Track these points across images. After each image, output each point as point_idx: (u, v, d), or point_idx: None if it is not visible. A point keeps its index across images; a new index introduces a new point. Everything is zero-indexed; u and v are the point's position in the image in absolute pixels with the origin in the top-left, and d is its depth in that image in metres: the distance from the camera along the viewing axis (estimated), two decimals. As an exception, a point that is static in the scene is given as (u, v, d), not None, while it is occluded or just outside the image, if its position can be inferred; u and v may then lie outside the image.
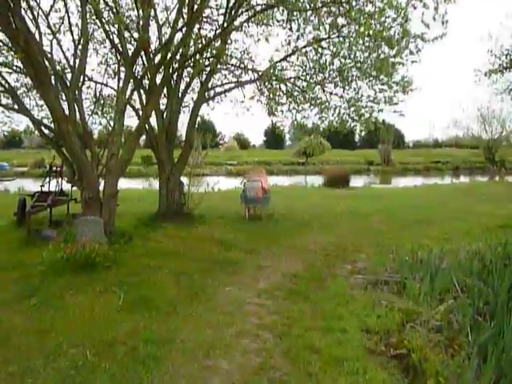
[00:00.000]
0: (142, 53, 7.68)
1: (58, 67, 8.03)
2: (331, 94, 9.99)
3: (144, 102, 7.89)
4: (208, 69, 8.60)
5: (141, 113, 7.57)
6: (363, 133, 66.04)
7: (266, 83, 9.50)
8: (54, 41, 7.86)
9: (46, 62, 6.73)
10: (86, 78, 9.41)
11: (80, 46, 7.29)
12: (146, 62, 7.96)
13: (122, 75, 7.72)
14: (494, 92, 14.55)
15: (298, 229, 8.81)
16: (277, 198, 12.32)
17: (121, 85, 7.10)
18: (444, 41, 7.78)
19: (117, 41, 8.37)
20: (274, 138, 64.41)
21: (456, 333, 4.09)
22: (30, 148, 50.62)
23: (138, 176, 28.24)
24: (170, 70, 7.54)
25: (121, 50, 7.38)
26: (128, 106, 9.58)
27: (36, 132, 8.00)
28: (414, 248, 7.10)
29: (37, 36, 7.11)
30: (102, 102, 9.70)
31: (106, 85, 9.39)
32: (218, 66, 9.30)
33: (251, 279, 5.64)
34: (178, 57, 7.16)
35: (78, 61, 7.01)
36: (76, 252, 5.72)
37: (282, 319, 4.36)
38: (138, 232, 7.68)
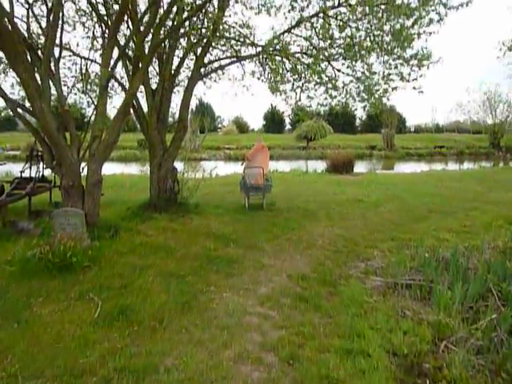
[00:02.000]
0: (130, 21, 6.76)
1: (35, 40, 7.15)
2: (339, 70, 9.11)
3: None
4: (204, 41, 7.67)
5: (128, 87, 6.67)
6: (363, 117, 65.18)
7: (268, 59, 8.59)
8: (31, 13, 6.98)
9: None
10: (71, 53, 8.57)
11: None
12: (131, 27, 7.02)
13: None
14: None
15: (303, 220, 8.03)
16: (278, 185, 11.55)
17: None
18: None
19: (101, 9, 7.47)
20: (273, 121, 63.26)
21: (503, 356, 3.36)
22: (24, 131, 49.44)
23: (135, 160, 27.28)
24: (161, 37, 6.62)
25: (104, 13, 6.45)
26: (115, 83, 8.78)
27: (10, 111, 7.14)
28: (434, 244, 6.40)
29: (7, 5, 6.21)
30: (89, 79, 8.80)
31: (94, 61, 8.50)
32: (215, 42, 8.38)
33: (252, 282, 4.88)
34: (169, 22, 6.25)
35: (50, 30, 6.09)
36: (51, 250, 4.96)
37: (289, 336, 3.62)
38: (126, 224, 6.89)
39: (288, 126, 66.74)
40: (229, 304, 4.23)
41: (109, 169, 20.04)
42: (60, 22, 6.51)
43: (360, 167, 22.17)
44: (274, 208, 8.96)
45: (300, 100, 10.11)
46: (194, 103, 57.64)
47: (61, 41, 6.72)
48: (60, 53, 6.61)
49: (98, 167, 6.33)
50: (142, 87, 8.03)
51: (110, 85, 8.89)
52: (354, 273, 5.31)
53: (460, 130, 65.23)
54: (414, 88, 7.53)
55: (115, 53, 6.66)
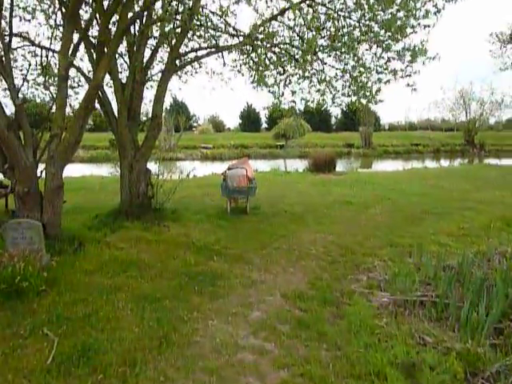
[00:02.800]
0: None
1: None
2: (325, 63, 8.50)
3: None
4: (179, 29, 6.87)
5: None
6: (339, 115, 65.25)
7: (252, 49, 7.88)
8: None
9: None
10: (30, 44, 7.60)
11: None
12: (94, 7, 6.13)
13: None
14: (500, 67, 13.47)
15: (291, 224, 7.37)
16: (260, 186, 10.81)
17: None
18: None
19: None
20: (249, 120, 62.48)
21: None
22: None
23: (107, 161, 25.99)
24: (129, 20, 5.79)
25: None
26: (82, 78, 7.86)
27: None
28: (436, 250, 5.87)
29: None
30: (50, 71, 7.84)
31: (55, 51, 7.55)
32: (192, 30, 7.60)
33: (242, 304, 4.16)
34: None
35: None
36: (-2, 272, 4.10)
37: (293, 379, 2.93)
38: (93, 235, 6.04)
39: (264, 125, 66.19)
40: (216, 336, 3.50)
41: (78, 170, 18.90)
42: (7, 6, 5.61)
43: (340, 166, 21.75)
44: (259, 212, 8.26)
45: (283, 95, 9.47)
46: (168, 101, 56.29)
47: (10, 27, 5.81)
48: (10, 41, 5.69)
49: (59, 170, 5.46)
50: (110, 81, 7.18)
51: (75, 79, 8.02)
52: (357, 288, 4.67)
53: (433, 127, 66.39)
54: (408, 85, 6.98)
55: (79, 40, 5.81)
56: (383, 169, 22.31)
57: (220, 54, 9.01)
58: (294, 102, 8.56)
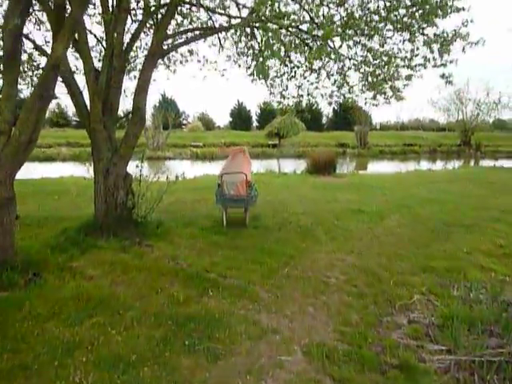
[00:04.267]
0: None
1: None
2: (337, 53, 7.35)
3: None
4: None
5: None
6: (330, 114, 64.31)
7: (250, 34, 6.71)
8: None
9: None
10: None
11: None
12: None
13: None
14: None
15: (300, 241, 6.19)
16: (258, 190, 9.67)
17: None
18: None
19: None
20: (240, 118, 61.18)
21: None
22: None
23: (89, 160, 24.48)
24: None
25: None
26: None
27: None
28: (481, 278, 4.78)
29: None
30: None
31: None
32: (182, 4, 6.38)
33: (250, 370, 2.98)
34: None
35: None
36: None
37: None
38: (56, 259, 4.80)
39: (255, 123, 64.95)
40: None
41: (58, 170, 17.46)
42: None
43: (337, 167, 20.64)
44: (260, 224, 7.06)
45: (287, 89, 8.30)
46: (156, 97, 54.77)
47: None
48: None
49: (7, 179, 4.20)
50: (81, 65, 5.90)
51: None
52: (400, 338, 3.52)
53: (424, 127, 65.89)
54: (443, 76, 5.84)
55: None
56: (383, 170, 21.27)
57: (216, 37, 7.83)
58: (301, 96, 7.38)
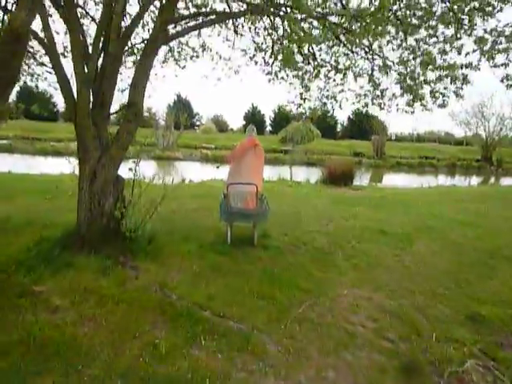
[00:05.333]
0: None
1: None
2: (369, 51, 6.44)
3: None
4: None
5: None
6: (345, 122, 63.10)
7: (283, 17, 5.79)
8: None
9: None
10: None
11: None
12: None
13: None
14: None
15: (316, 269, 5.22)
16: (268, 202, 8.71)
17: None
18: None
19: None
20: (253, 122, 60.43)
21: None
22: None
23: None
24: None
25: None
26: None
27: None
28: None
29: None
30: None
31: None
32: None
33: None
34: None
35: None
36: None
37: None
38: (19, 279, 3.91)
39: (269, 128, 64.18)
40: None
41: (60, 166, 16.72)
42: None
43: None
44: (270, 244, 6.09)
45: (308, 90, 7.39)
46: (171, 98, 54.38)
47: None
48: None
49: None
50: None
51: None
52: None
53: (440, 140, 64.30)
54: (507, 78, 4.84)
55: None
56: (402, 183, 20.16)
57: (231, 29, 6.98)
58: (328, 97, 6.47)
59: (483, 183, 27.74)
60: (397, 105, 6.70)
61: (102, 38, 4.93)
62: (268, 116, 64.66)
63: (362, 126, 51.14)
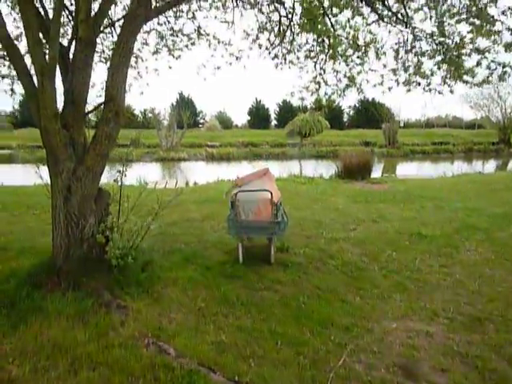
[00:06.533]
0: None
1: None
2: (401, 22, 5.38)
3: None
4: None
5: None
6: (351, 112, 61.61)
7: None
8: None
9: None
10: None
11: None
12: None
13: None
14: None
15: (352, 293, 4.19)
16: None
17: None
18: None
19: None
20: (258, 117, 59.20)
21: None
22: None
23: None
24: None
25: None
26: None
27: None
28: None
29: None
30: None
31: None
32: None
33: None
34: None
35: None
36: None
37: None
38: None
39: (274, 122, 62.89)
40: None
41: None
42: None
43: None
44: (290, 260, 5.06)
45: (324, 73, 6.35)
46: (173, 97, 53.51)
47: None
48: None
49: None
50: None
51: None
52: None
53: (451, 124, 62.39)
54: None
55: None
56: (421, 173, 18.96)
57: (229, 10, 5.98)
58: (351, 81, 5.45)
59: (502, 167, 26.38)
60: (429, 84, 5.63)
61: (70, 19, 3.93)
62: (273, 110, 63.35)
63: (369, 113, 49.55)
